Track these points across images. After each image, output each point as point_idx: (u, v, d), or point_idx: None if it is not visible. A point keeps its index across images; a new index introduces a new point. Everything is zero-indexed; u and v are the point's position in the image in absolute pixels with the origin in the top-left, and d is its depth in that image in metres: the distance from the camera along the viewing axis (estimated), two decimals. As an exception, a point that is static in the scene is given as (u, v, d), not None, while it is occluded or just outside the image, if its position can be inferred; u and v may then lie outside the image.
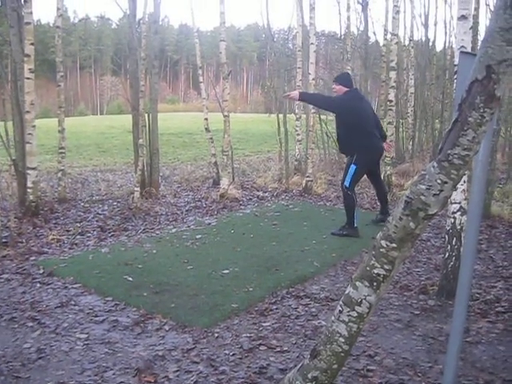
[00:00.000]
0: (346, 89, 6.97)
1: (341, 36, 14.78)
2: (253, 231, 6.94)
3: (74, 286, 4.86)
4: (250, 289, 4.74)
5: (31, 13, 7.42)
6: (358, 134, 6.76)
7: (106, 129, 26.00)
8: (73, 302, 4.44)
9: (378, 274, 2.33)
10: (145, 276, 5.05)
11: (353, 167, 6.80)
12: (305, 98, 7.53)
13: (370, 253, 2.38)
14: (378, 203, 7.70)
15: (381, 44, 14.46)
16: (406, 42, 15.19)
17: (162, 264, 5.46)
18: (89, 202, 8.99)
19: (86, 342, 3.66)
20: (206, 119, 11.39)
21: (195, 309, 4.26)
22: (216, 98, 12.53)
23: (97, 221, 7.56)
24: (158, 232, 6.97)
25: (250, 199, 9.45)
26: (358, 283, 2.40)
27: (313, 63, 10.16)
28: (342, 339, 2.46)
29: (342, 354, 2.49)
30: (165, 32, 66.79)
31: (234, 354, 3.48)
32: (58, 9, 9.47)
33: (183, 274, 5.15)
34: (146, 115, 9.11)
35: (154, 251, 5.96)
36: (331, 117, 14.04)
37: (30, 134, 7.46)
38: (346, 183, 6.83)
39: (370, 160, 6.95)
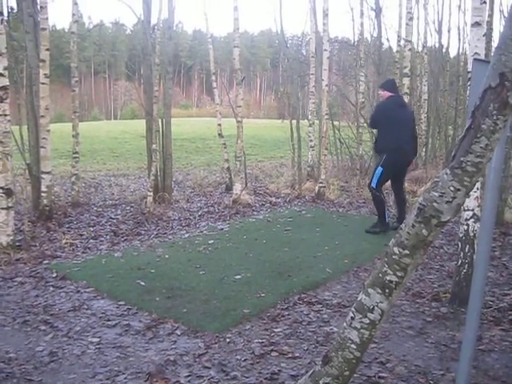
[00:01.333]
0: (390, 94, 7.27)
1: (354, 42, 14.78)
2: (265, 237, 6.94)
3: (87, 289, 4.88)
4: (262, 294, 4.74)
5: (47, 19, 7.51)
6: (389, 136, 7.05)
7: (119, 134, 26.05)
8: (85, 306, 4.46)
9: (391, 281, 2.32)
10: (157, 281, 5.07)
11: (379, 169, 7.14)
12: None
13: (383, 259, 2.37)
14: (395, 211, 7.88)
15: (394, 50, 14.47)
16: (420, 49, 15.17)
17: (175, 269, 5.48)
18: (102, 206, 9.04)
19: (98, 346, 3.68)
20: (220, 125, 11.45)
21: (207, 314, 4.27)
22: (229, 103, 12.56)
23: (110, 225, 7.60)
24: (170, 237, 6.99)
25: (263, 205, 9.46)
26: (370, 290, 2.40)
27: (326, 69, 10.17)
28: (353, 346, 2.45)
29: (354, 361, 2.48)
30: (179, 38, 66.92)
31: (245, 360, 3.48)
32: (74, 15, 9.57)
33: (195, 279, 5.16)
34: (160, 120, 9.15)
35: (167, 256, 5.97)
36: (344, 123, 14.10)
37: (44, 138, 7.52)
38: (373, 184, 7.20)
39: (396, 162, 7.14)
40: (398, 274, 2.30)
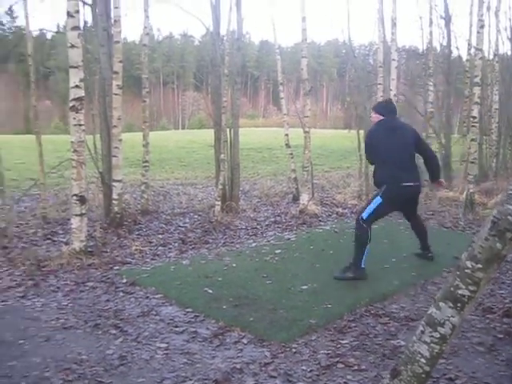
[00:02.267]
0: (381, 117, 6.08)
1: (423, 51, 14.58)
2: (332, 247, 6.90)
3: (156, 296, 4.98)
4: (329, 305, 4.71)
5: (120, 32, 7.73)
6: (383, 166, 5.88)
7: (187, 143, 26.45)
8: (154, 312, 4.56)
9: (463, 295, 2.28)
10: (224, 289, 5.13)
11: (378, 200, 5.73)
12: None
13: (455, 273, 2.33)
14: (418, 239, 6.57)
15: (464, 59, 14.19)
16: (491, 57, 14.81)
17: (242, 278, 5.53)
18: (170, 214, 9.20)
19: (165, 352, 3.75)
20: (287, 135, 11.48)
21: (273, 323, 4.28)
22: (296, 113, 12.57)
23: (178, 233, 7.73)
24: (237, 246, 7.05)
25: (330, 215, 9.42)
26: (441, 303, 2.36)
27: (394, 79, 10.09)
28: (423, 360, 2.42)
29: (423, 376, 2.45)
30: (246, 48, 67.50)
31: (311, 371, 3.47)
32: (145, 27, 9.81)
33: (262, 288, 5.19)
34: (228, 130, 9.25)
35: (234, 265, 6.03)
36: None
37: (116, 147, 7.73)
38: (364, 215, 5.71)
39: (397, 196, 5.81)
40: (471, 288, 2.26)
